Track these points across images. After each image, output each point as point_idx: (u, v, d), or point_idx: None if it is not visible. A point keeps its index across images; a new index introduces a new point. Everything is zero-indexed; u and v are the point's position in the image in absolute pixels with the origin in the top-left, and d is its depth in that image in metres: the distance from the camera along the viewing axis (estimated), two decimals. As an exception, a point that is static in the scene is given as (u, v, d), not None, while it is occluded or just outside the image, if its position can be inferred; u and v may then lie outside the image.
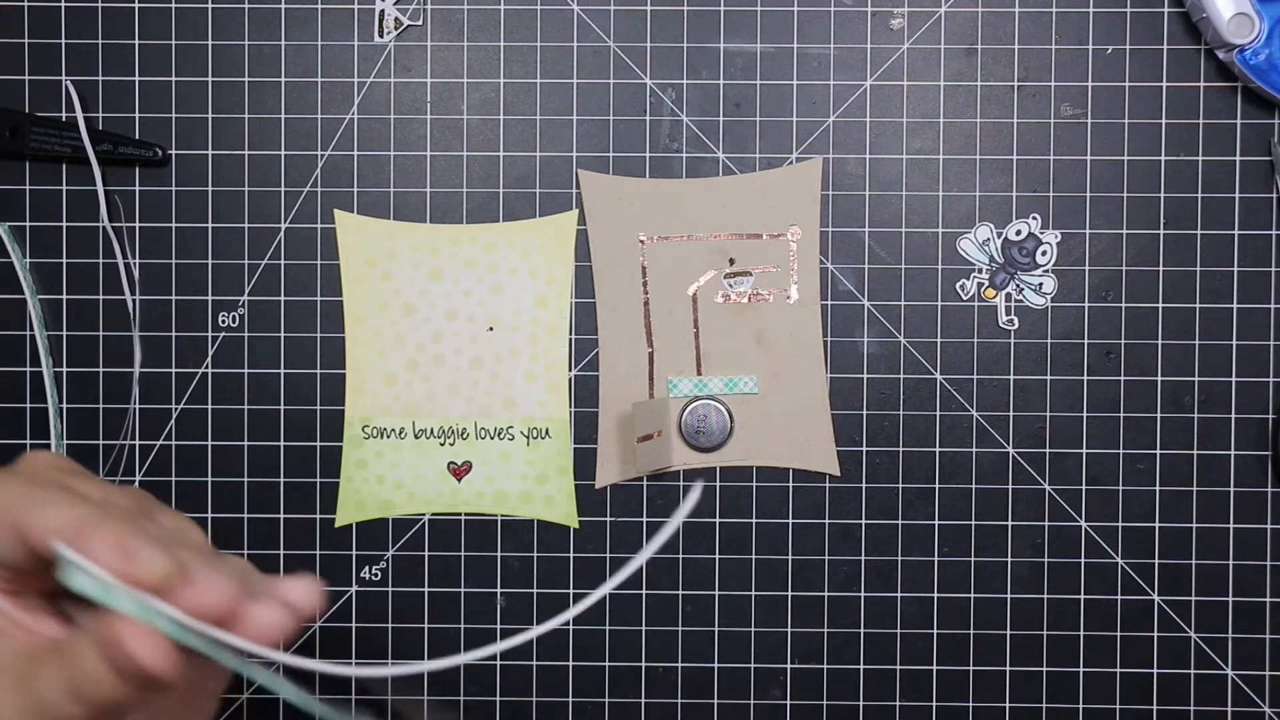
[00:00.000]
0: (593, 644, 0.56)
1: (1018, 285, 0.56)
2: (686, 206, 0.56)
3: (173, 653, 0.28)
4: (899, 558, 0.56)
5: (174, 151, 0.56)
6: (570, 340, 0.56)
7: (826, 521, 0.56)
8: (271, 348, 0.56)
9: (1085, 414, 0.56)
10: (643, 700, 0.56)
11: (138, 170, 0.56)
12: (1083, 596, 0.56)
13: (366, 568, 0.57)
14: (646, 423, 0.55)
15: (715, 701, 0.56)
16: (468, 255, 0.56)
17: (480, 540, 0.57)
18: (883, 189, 0.56)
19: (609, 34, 0.56)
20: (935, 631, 0.56)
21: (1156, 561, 0.56)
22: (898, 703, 0.56)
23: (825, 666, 0.56)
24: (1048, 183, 0.56)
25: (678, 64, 0.56)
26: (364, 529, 0.57)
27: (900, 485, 0.56)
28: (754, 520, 0.56)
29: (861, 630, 0.56)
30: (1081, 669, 0.56)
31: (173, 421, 0.56)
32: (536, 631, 0.32)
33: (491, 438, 0.56)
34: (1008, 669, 0.56)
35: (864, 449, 0.56)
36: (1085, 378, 0.56)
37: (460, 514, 0.57)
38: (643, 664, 0.56)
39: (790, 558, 0.56)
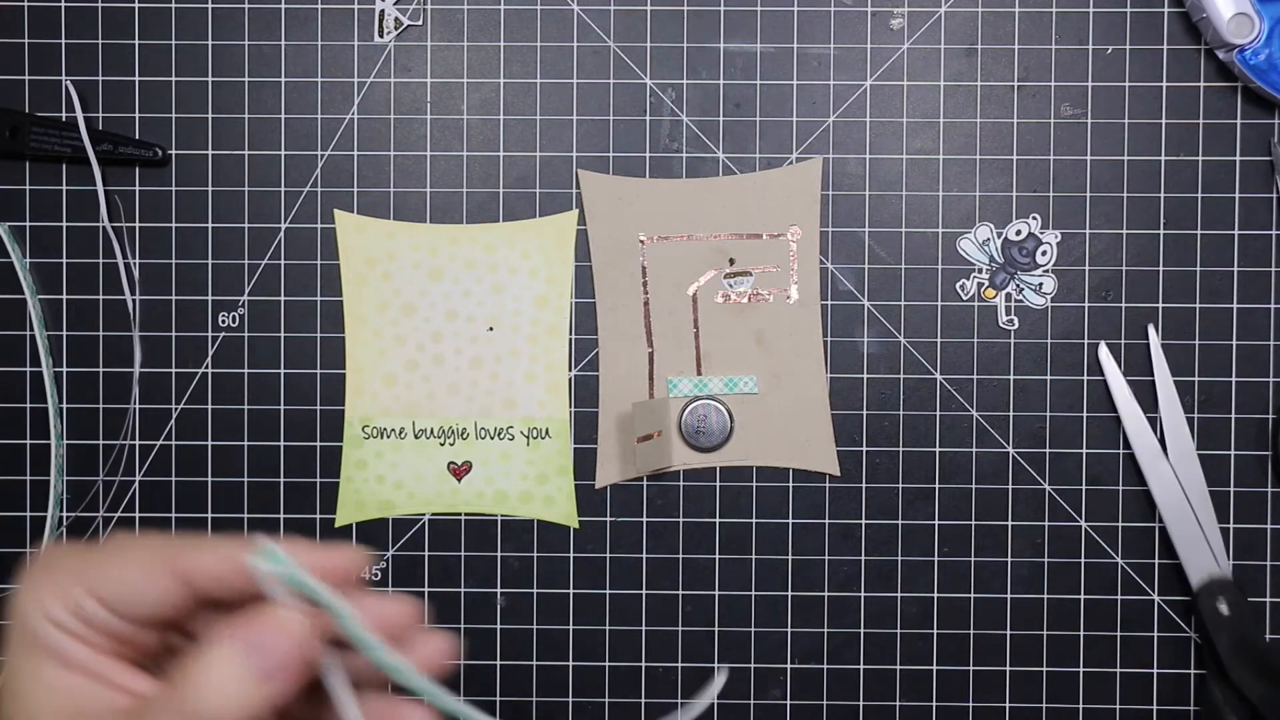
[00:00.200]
0: (593, 644, 0.56)
1: (1018, 285, 0.56)
2: (686, 206, 0.56)
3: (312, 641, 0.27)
4: (899, 558, 0.56)
5: (174, 151, 0.56)
6: (570, 340, 0.56)
7: (826, 521, 0.56)
8: (271, 348, 0.56)
9: (1085, 414, 0.56)
10: (643, 700, 0.56)
11: (138, 170, 0.56)
12: (1083, 596, 0.56)
13: (366, 568, 0.57)
14: (646, 423, 0.55)
15: (715, 701, 0.56)
16: (468, 255, 0.56)
17: (480, 540, 0.57)
18: (883, 189, 0.56)
19: (609, 34, 0.56)
20: (935, 631, 0.56)
21: (1156, 561, 0.56)
22: (898, 703, 0.56)
23: (825, 666, 0.56)
24: (1048, 183, 0.56)
25: (678, 64, 0.56)
26: (364, 529, 0.57)
27: (900, 485, 0.56)
28: (754, 520, 0.56)
29: (861, 630, 0.56)
30: (1081, 669, 0.56)
31: (173, 421, 0.56)
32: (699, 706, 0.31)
33: (491, 438, 0.56)
34: (1008, 669, 0.56)
35: (864, 449, 0.56)
36: (1085, 378, 0.56)
37: (460, 514, 0.57)
38: (643, 664, 0.56)
39: (790, 558, 0.56)
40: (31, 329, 0.56)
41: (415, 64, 0.56)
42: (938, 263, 0.56)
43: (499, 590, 0.57)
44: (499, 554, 0.57)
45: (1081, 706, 0.56)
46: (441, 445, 0.56)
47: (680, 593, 0.57)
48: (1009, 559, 0.56)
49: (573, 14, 0.56)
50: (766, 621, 0.56)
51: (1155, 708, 0.56)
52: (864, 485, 0.56)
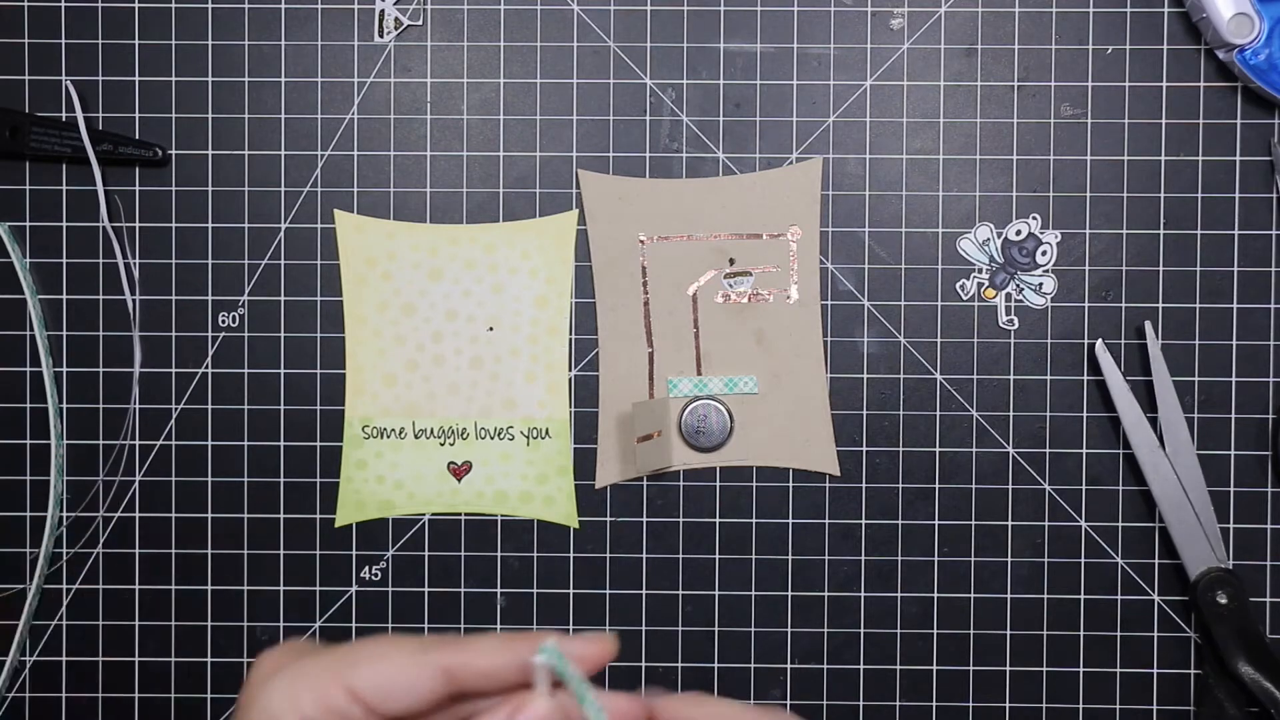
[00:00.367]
0: (593, 644, 0.56)
1: (1018, 285, 0.56)
2: (686, 206, 0.56)
3: None
4: (899, 558, 0.56)
5: (174, 151, 0.56)
6: (570, 340, 0.56)
7: (826, 521, 0.56)
8: (271, 348, 0.56)
9: (1085, 414, 0.56)
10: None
11: (138, 170, 0.56)
12: (1083, 596, 0.56)
13: (366, 568, 0.57)
14: (646, 423, 0.55)
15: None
16: (468, 255, 0.56)
17: (480, 540, 0.57)
18: (883, 189, 0.56)
19: (609, 34, 0.56)
20: (935, 631, 0.56)
21: (1156, 561, 0.56)
22: (898, 703, 0.56)
23: (825, 666, 0.56)
24: (1048, 183, 0.56)
25: (678, 64, 0.56)
26: (364, 529, 0.57)
27: (900, 485, 0.56)
28: (754, 520, 0.56)
29: (861, 630, 0.56)
30: (1081, 669, 0.56)
31: (173, 421, 0.56)
32: None
33: (491, 438, 0.56)
34: (1008, 669, 0.56)
35: (864, 449, 0.56)
36: (1085, 377, 0.56)
37: (460, 514, 0.57)
38: (643, 664, 0.56)
39: (790, 558, 0.56)
40: (31, 329, 0.56)
41: (415, 64, 0.56)
42: (938, 263, 0.56)
43: (499, 590, 0.57)
44: (499, 554, 0.57)
45: (1081, 706, 0.56)
46: (441, 445, 0.56)
47: (680, 593, 0.57)
48: (1009, 559, 0.56)
49: (573, 14, 0.56)
50: (766, 621, 0.56)
51: (1155, 708, 0.56)
52: (864, 485, 0.56)
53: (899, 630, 0.56)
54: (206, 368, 0.56)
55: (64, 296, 0.56)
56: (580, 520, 0.56)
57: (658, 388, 0.56)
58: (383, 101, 0.56)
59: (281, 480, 0.56)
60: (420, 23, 0.56)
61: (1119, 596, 0.56)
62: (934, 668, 0.56)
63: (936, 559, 0.56)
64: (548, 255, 0.56)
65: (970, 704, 0.56)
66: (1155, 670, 0.56)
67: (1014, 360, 0.56)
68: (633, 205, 0.56)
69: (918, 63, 0.56)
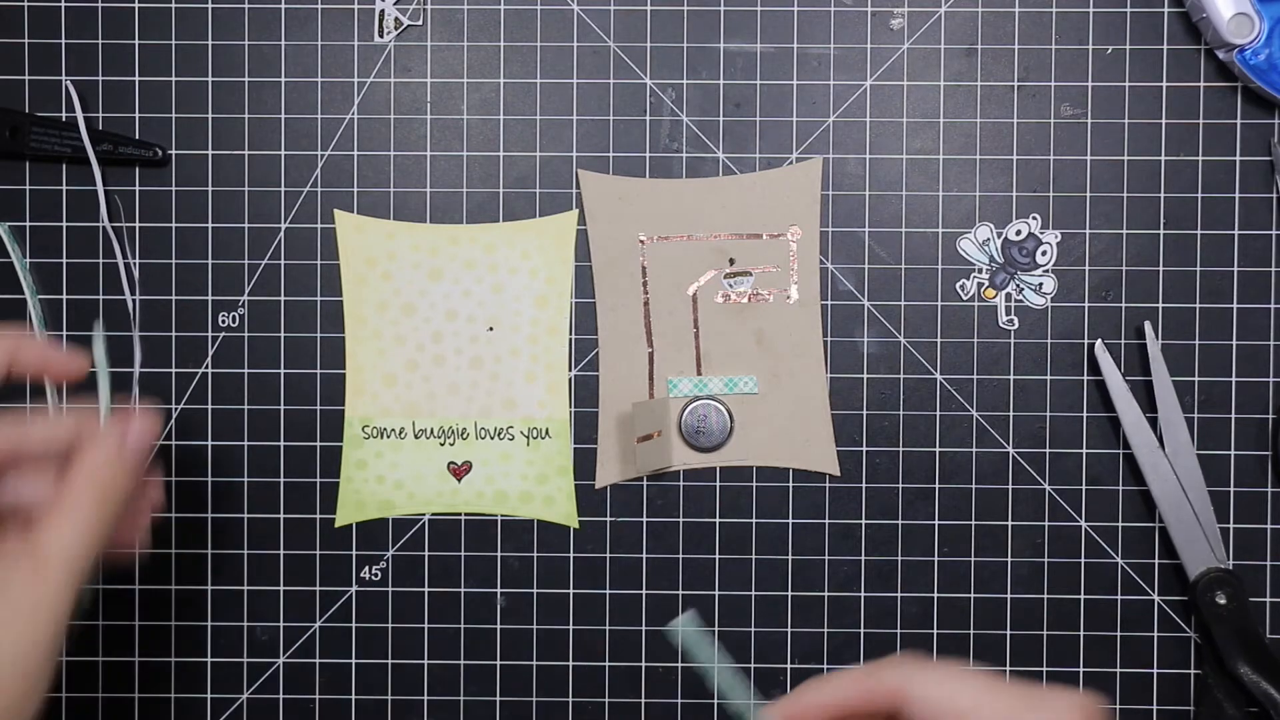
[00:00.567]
0: (593, 644, 0.56)
1: (1018, 285, 0.56)
2: (686, 206, 0.56)
3: None
4: (899, 558, 0.56)
5: (174, 151, 0.56)
6: (570, 340, 0.56)
7: (826, 521, 0.56)
8: (271, 348, 0.56)
9: (1085, 414, 0.56)
10: (643, 700, 0.56)
11: (138, 170, 0.56)
12: (1083, 596, 0.56)
13: (366, 568, 0.57)
14: (646, 423, 0.55)
15: (715, 701, 0.56)
16: (468, 255, 0.56)
17: (480, 540, 0.57)
18: (883, 189, 0.56)
19: (609, 34, 0.56)
20: (935, 631, 0.56)
21: (1156, 561, 0.56)
22: (898, 703, 0.56)
23: (825, 666, 0.56)
24: (1048, 183, 0.56)
25: (678, 64, 0.56)
26: (364, 529, 0.57)
27: (900, 485, 0.56)
28: (754, 520, 0.56)
29: (861, 630, 0.56)
30: (1081, 669, 0.56)
31: (173, 421, 0.56)
32: None
33: (491, 438, 0.56)
34: (1008, 669, 0.56)
35: (864, 449, 0.56)
36: (1085, 377, 0.56)
37: (460, 514, 0.57)
38: (643, 664, 0.56)
39: (790, 558, 0.56)
40: (31, 329, 0.56)
41: (415, 64, 0.56)
42: (938, 263, 0.56)
43: (499, 590, 0.57)
44: (499, 554, 0.57)
45: (1081, 706, 0.56)
46: (441, 445, 0.56)
47: (680, 593, 0.57)
48: (1009, 559, 0.56)
49: (573, 14, 0.56)
50: (766, 621, 0.56)
51: (1155, 708, 0.56)
52: (864, 485, 0.56)
53: (899, 630, 0.56)
54: (206, 368, 0.56)
55: (64, 296, 0.56)
56: (580, 520, 0.56)
57: (658, 388, 0.56)
58: (383, 101, 0.56)
59: (281, 480, 0.56)
60: (420, 23, 0.56)
61: (1119, 596, 0.56)
62: (934, 668, 0.56)
63: (936, 559, 0.56)
64: (548, 255, 0.56)
65: (970, 704, 0.56)
66: (1155, 670, 0.56)
67: (1014, 360, 0.56)
68: (633, 205, 0.56)
69: (918, 63, 0.56)
